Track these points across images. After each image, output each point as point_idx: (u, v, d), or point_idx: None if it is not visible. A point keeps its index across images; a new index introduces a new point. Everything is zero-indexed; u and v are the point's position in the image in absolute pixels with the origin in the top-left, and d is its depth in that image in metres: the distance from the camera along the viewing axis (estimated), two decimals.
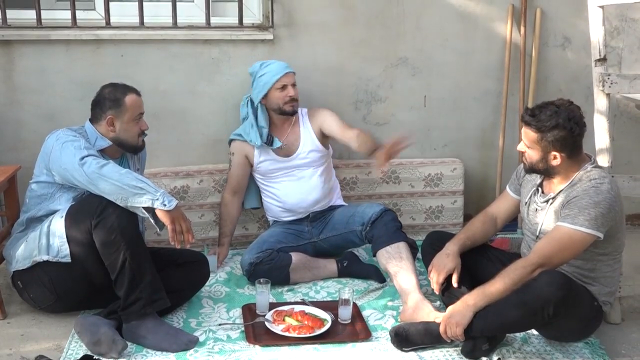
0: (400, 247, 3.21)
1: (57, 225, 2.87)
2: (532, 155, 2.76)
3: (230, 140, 3.66)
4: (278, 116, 3.55)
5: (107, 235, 2.77)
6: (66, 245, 2.85)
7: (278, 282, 3.37)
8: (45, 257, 2.89)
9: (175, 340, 2.80)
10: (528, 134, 2.74)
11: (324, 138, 3.63)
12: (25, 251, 2.95)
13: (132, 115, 3.04)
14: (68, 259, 2.86)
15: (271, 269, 3.33)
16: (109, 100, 3.03)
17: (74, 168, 2.83)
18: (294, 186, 3.58)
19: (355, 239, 3.48)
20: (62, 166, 2.88)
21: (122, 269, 2.78)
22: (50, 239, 2.88)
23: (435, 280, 2.91)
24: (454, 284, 2.89)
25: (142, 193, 2.77)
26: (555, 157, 2.71)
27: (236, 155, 3.64)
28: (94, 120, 3.07)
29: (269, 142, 3.54)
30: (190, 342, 2.82)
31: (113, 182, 2.77)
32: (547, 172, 2.80)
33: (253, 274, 3.33)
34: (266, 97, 3.51)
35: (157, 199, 2.78)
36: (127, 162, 3.19)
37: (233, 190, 3.68)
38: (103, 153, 3.01)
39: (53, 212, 2.95)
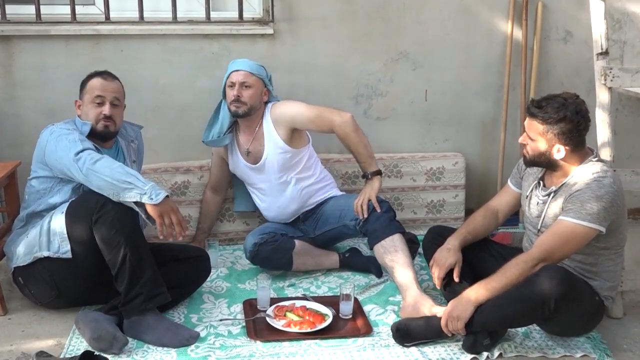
0: (395, 240, 3.18)
1: (58, 222, 2.86)
2: (535, 147, 2.74)
3: None
4: (238, 118, 3.43)
5: (108, 231, 2.76)
6: (67, 242, 2.85)
7: (281, 265, 3.37)
8: (45, 253, 2.88)
9: (176, 336, 2.80)
10: (533, 126, 2.72)
11: (295, 134, 3.43)
12: (26, 247, 2.94)
13: (90, 97, 3.03)
14: (69, 255, 2.85)
15: (275, 250, 3.32)
16: (81, 84, 3.09)
17: (70, 163, 2.83)
18: (271, 200, 3.51)
19: (349, 231, 3.44)
20: (58, 160, 2.88)
21: (123, 264, 2.77)
22: (51, 235, 2.88)
23: (436, 275, 2.91)
24: (455, 278, 2.88)
25: (131, 188, 2.76)
26: (559, 150, 2.70)
27: (214, 155, 3.64)
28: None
29: (221, 138, 3.45)
30: (191, 338, 2.81)
31: (104, 177, 2.76)
32: (548, 165, 2.79)
33: (257, 255, 3.32)
34: (225, 96, 3.44)
35: (145, 193, 2.75)
36: (122, 152, 3.17)
37: (213, 187, 3.69)
38: (96, 143, 2.99)
39: (53, 207, 2.95)
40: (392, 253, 3.14)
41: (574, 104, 2.68)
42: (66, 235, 2.84)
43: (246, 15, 3.78)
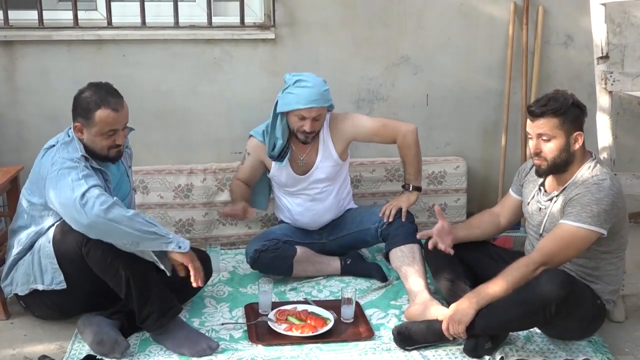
0: (414, 249, 3.22)
1: (47, 254, 2.80)
2: (555, 145, 2.70)
3: (250, 135, 3.47)
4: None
5: (103, 261, 2.71)
6: (59, 272, 2.80)
7: (281, 272, 3.37)
8: (40, 287, 2.84)
9: (195, 345, 2.77)
10: (546, 124, 2.68)
11: (347, 148, 3.45)
12: (23, 277, 2.88)
13: (99, 130, 2.78)
14: (63, 286, 2.81)
15: (275, 258, 3.32)
16: (81, 107, 2.80)
17: (72, 206, 2.64)
18: (308, 206, 3.48)
19: (367, 237, 3.46)
20: (59, 200, 2.71)
21: (128, 288, 2.73)
22: (43, 267, 2.82)
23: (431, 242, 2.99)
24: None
25: (154, 237, 2.69)
26: (576, 140, 2.70)
27: (252, 156, 3.45)
28: (73, 118, 2.86)
29: (281, 156, 3.34)
30: (210, 349, 2.77)
31: (123, 227, 2.63)
32: (566, 164, 2.73)
33: (257, 261, 3.33)
34: (287, 113, 3.27)
35: (171, 242, 2.71)
36: (122, 161, 3.04)
37: (244, 181, 3.52)
38: (92, 157, 2.84)
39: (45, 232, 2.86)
40: (410, 259, 3.18)
41: (566, 93, 2.73)
42: (57, 266, 2.79)
43: (247, 20, 3.78)
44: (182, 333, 2.81)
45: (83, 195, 2.63)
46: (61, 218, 2.79)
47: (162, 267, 2.75)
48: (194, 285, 2.79)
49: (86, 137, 2.82)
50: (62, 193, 2.68)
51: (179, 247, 2.72)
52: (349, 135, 3.41)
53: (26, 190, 2.92)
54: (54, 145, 2.87)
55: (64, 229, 2.76)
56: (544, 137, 2.71)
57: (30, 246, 2.90)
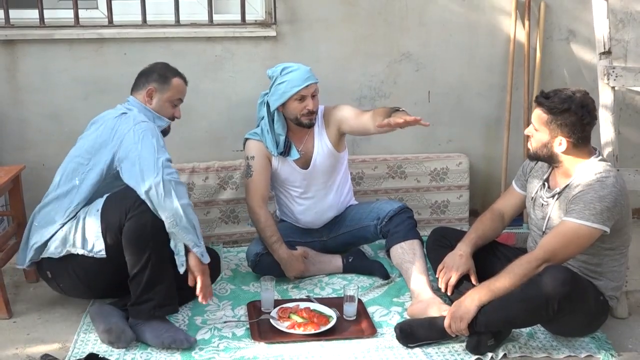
0: (415, 245, 3.21)
1: (93, 220, 2.83)
2: (539, 138, 2.75)
3: (246, 140, 3.43)
4: (295, 125, 3.35)
5: (139, 230, 2.73)
6: (101, 241, 2.82)
7: (282, 274, 3.36)
8: (80, 251, 2.85)
9: (173, 335, 2.78)
10: (538, 115, 2.73)
11: (340, 139, 3.44)
12: (60, 240, 2.89)
13: (171, 96, 3.05)
14: (103, 255, 2.83)
15: (276, 260, 3.32)
16: (158, 74, 3.05)
17: (153, 163, 2.76)
18: (311, 205, 3.47)
19: (367, 234, 3.46)
20: (138, 157, 2.78)
21: (144, 268, 2.75)
22: (86, 233, 2.84)
23: (445, 280, 2.90)
24: (475, 282, 2.86)
25: (191, 232, 2.77)
26: (560, 143, 2.71)
27: (258, 158, 3.36)
28: (134, 89, 3.05)
29: (287, 151, 3.34)
30: (187, 341, 2.78)
31: (179, 205, 2.73)
32: (550, 159, 2.78)
33: (258, 264, 3.34)
34: (284, 105, 3.28)
35: (199, 246, 2.79)
36: None
37: (262, 199, 3.37)
38: None
39: (85, 197, 2.90)
40: (410, 256, 3.17)
41: (581, 98, 2.70)
42: (101, 235, 2.82)
43: (249, 17, 3.78)
44: (164, 327, 2.81)
45: (167, 160, 2.81)
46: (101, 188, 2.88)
47: (177, 261, 2.79)
48: (200, 300, 2.86)
49: (155, 102, 3.03)
50: (146, 149, 2.80)
51: (202, 256, 2.81)
52: (336, 121, 3.39)
53: (80, 158, 2.93)
54: (125, 113, 2.96)
55: (117, 198, 2.83)
56: (534, 127, 2.76)
57: (74, 217, 2.91)
